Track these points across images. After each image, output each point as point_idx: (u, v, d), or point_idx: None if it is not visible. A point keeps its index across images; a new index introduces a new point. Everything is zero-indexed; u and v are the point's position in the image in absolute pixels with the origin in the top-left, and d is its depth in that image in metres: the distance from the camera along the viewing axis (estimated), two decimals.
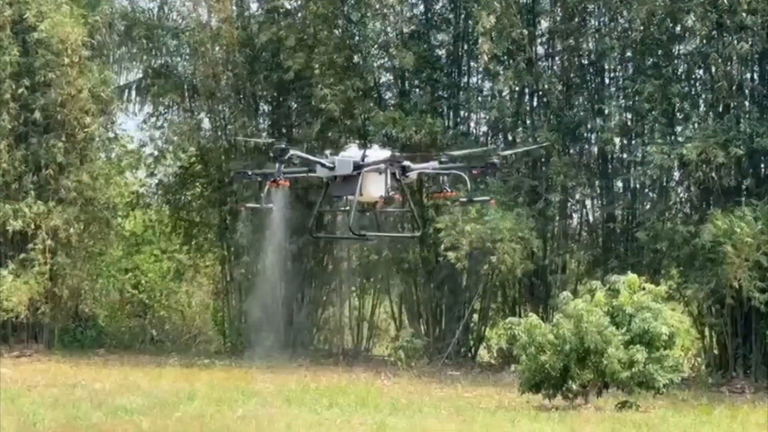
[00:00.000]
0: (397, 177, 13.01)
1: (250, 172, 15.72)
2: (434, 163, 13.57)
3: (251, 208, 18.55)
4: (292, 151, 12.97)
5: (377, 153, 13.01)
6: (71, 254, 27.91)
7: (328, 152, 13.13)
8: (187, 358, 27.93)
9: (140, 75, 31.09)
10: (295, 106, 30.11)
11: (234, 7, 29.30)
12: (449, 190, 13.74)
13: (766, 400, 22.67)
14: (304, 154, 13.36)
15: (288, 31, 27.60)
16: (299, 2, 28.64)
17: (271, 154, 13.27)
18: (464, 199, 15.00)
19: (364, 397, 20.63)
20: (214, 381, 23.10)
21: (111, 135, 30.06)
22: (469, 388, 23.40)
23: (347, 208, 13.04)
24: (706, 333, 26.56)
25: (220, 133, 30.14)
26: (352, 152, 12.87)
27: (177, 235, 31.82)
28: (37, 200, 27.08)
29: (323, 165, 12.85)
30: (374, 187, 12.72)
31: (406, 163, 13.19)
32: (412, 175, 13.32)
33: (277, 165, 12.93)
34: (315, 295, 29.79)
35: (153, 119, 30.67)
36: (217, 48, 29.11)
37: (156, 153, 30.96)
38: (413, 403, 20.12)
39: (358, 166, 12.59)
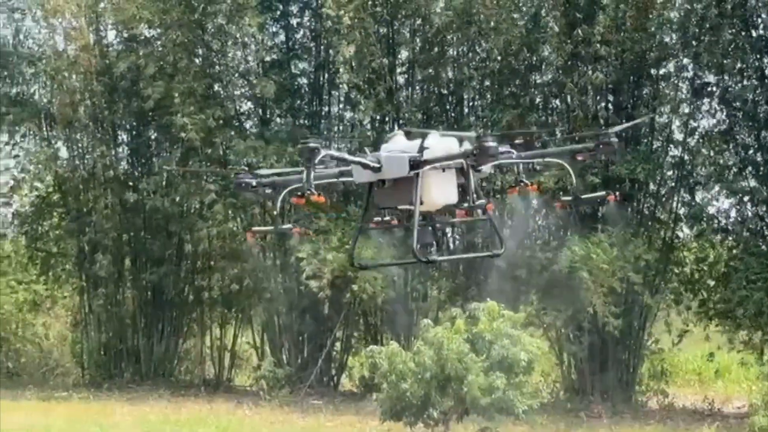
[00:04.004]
0: (465, 171, 9.75)
1: (254, 183, 10.31)
2: (513, 153, 10.39)
3: (260, 233, 12.38)
4: (325, 152, 9.43)
5: (440, 143, 9.57)
6: None
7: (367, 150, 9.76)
8: (44, 390, 27.44)
9: None
10: (155, 135, 29.87)
11: (92, 35, 28.96)
12: (528, 182, 10.62)
13: (622, 425, 23.10)
14: (339, 154, 9.82)
15: (147, 60, 27.41)
16: (159, 30, 28.39)
17: (298, 157, 10.16)
18: (568, 198, 11.33)
19: (225, 428, 20.55)
20: (72, 414, 22.75)
21: None
22: (332, 417, 23.40)
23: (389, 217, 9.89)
24: (565, 358, 26.93)
25: (78, 162, 29.74)
26: (400, 143, 9.70)
27: (34, 265, 31.29)
28: None
29: (366, 165, 9.48)
30: (440, 191, 9.53)
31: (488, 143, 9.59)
32: (486, 168, 10.01)
33: (305, 172, 9.43)
34: (176, 325, 29.52)
35: (8, 148, 30.13)
36: (74, 76, 28.76)
37: (12, 182, 30.40)
38: None
39: (416, 165, 9.37)
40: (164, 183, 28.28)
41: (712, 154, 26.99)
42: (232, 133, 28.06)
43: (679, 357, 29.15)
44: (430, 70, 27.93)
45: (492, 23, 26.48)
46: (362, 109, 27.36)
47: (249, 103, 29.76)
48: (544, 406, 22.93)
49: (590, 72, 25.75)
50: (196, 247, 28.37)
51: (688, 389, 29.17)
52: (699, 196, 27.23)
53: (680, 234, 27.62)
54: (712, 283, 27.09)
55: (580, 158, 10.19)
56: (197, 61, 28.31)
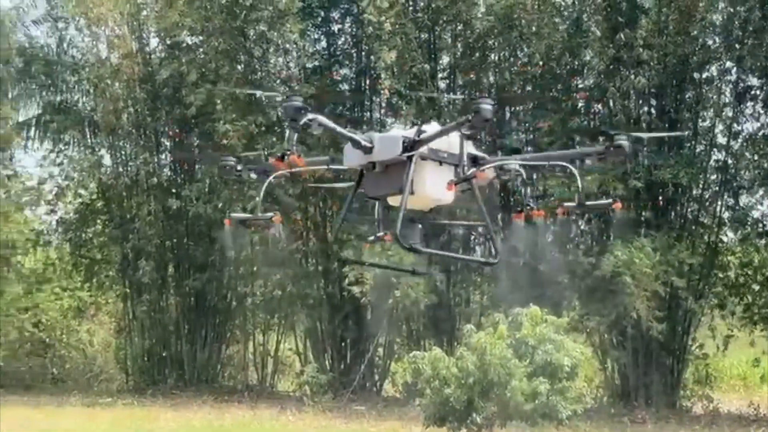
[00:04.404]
0: (466, 172, 9.02)
1: (240, 167, 9.92)
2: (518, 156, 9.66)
3: (240, 221, 11.43)
4: (312, 115, 8.78)
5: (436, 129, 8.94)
6: None
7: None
8: (88, 397, 27.58)
9: (39, 111, 30.75)
10: (198, 141, 29.97)
11: (134, 43, 29.12)
12: (534, 206, 9.94)
13: (666, 430, 22.95)
14: (330, 123, 9.04)
15: (189, 67, 27.50)
16: (201, 38, 28.51)
17: (282, 116, 9.30)
18: (572, 204, 10.11)
19: None
20: (116, 420, 22.85)
21: (10, 172, 29.76)
22: (374, 423, 23.39)
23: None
24: (608, 364, 26.82)
25: (121, 169, 29.89)
26: (396, 132, 9.14)
27: (78, 272, 31.49)
28: None
29: (357, 143, 8.85)
30: (434, 184, 8.78)
31: (480, 153, 9.14)
32: (489, 172, 9.26)
33: (288, 133, 9.02)
34: (219, 331, 29.61)
35: (53, 156, 30.33)
36: (117, 84, 28.90)
37: (56, 190, 30.61)
38: None
39: (410, 146, 8.71)
40: (207, 189, 28.36)
41: (755, 157, 26.83)
42: (274, 139, 28.07)
43: (724, 362, 29.00)
44: (472, 76, 27.91)
45: (533, 28, 26.46)
46: (404, 114, 27.32)
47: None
48: (587, 411, 22.83)
49: (632, 76, 25.64)
50: (238, 254, 28.42)
51: (733, 394, 29.01)
52: (743, 200, 27.08)
53: (724, 238, 27.47)
54: (757, 287, 26.96)
55: (589, 162, 9.74)
56: (239, 67, 28.39)
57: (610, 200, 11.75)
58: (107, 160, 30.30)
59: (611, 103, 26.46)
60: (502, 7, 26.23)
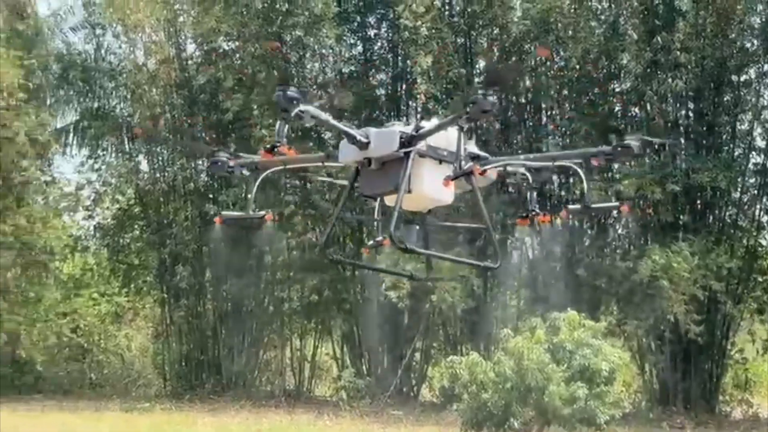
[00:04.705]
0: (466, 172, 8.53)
1: (232, 163, 9.50)
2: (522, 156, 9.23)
3: (231, 219, 11.17)
4: (304, 106, 8.34)
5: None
6: (8, 299, 27.61)
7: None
8: (127, 402, 27.66)
9: (77, 117, 30.93)
10: (234, 147, 29.99)
11: (171, 49, 29.24)
12: (540, 212, 9.14)
13: None
14: (323, 115, 8.62)
15: (226, 72, 27.56)
16: (237, 43, 28.58)
17: (276, 104, 8.39)
18: (576, 206, 9.46)
19: None
20: (155, 425, 22.91)
21: (48, 178, 29.92)
22: (412, 428, 23.38)
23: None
24: (647, 368, 26.71)
25: (158, 175, 30.00)
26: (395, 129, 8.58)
27: (116, 278, 31.62)
28: None
29: (352, 137, 8.41)
30: (433, 183, 8.34)
31: (482, 153, 8.66)
32: (491, 175, 8.77)
33: (279, 124, 8.66)
34: (256, 336, 29.64)
35: (90, 162, 30.49)
36: (154, 89, 29.01)
37: (94, 196, 30.76)
38: None
39: (407, 142, 8.30)
40: (243, 195, 28.41)
41: None
42: (311, 144, 28.09)
43: (764, 366, 28.78)
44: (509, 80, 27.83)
45: (570, 32, 26.40)
46: (440, 119, 27.27)
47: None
48: (626, 416, 22.78)
49: (670, 79, 25.53)
50: (275, 259, 28.49)
51: None
52: None
53: (763, 242, 27.28)
54: None
55: (595, 163, 8.98)
56: (276, 72, 28.44)
57: (617, 203, 11.41)
58: (144, 166, 30.45)
59: (648, 107, 26.35)
60: (539, 11, 26.17)
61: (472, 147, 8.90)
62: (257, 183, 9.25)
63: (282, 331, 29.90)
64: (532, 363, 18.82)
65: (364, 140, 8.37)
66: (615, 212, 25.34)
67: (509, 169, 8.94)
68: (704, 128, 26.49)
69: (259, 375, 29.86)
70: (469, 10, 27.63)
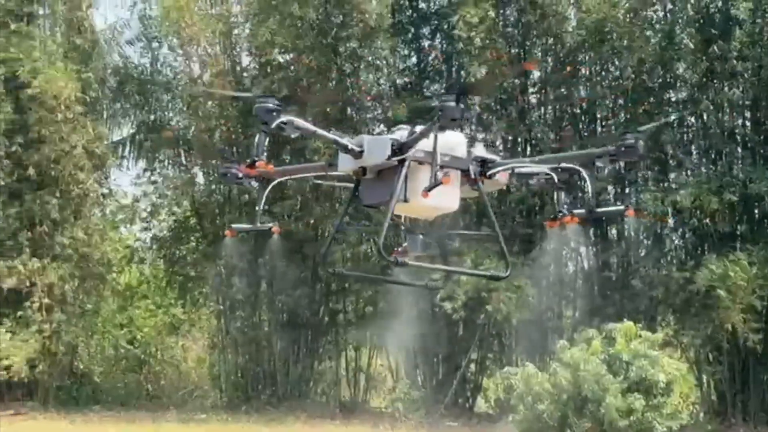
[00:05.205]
0: (474, 177, 8.41)
1: (241, 175, 9.32)
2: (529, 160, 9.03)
3: (241, 231, 12.09)
4: (287, 117, 8.13)
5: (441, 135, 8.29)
6: (66, 311, 27.79)
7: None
8: (183, 413, 27.79)
9: (134, 130, 31.17)
10: (290, 159, 30.10)
11: (227, 61, 29.39)
12: (568, 212, 8.76)
13: None
14: (309, 125, 8.38)
15: (281, 84, 27.65)
16: (292, 55, 28.68)
17: (256, 116, 8.19)
18: (581, 211, 8.97)
19: None
20: None
21: (105, 190, 30.13)
22: None
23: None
24: (704, 379, 26.48)
25: (214, 187, 30.13)
26: (400, 135, 8.41)
27: (172, 289, 31.81)
28: (32, 257, 26.98)
29: (344, 147, 8.21)
30: (434, 192, 8.09)
31: (491, 156, 8.44)
32: (502, 178, 8.65)
33: (258, 137, 8.34)
34: (311, 347, 29.69)
35: (147, 174, 30.70)
36: (210, 102, 29.16)
37: (150, 208, 30.96)
38: None
39: (399, 149, 8.13)
40: (298, 207, 28.51)
41: None
42: None
43: None
44: (563, 90, 27.78)
45: (625, 41, 26.27)
46: (494, 130, 27.27)
47: (382, 126, 29.86)
48: (683, 428, 22.56)
49: (726, 88, 25.36)
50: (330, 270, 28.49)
51: None
52: None
53: None
54: None
55: (600, 164, 9.06)
56: (330, 84, 28.51)
57: (622, 207, 11.18)
58: (200, 178, 30.60)
59: (705, 116, 26.17)
60: (594, 21, 26.07)
61: (481, 150, 8.80)
62: (265, 193, 9.25)
63: (337, 341, 29.93)
64: (589, 374, 18.75)
65: (357, 149, 8.20)
66: (661, 222, 25.22)
67: (532, 170, 8.82)
68: (761, 137, 26.26)
69: (315, 386, 29.90)
70: (523, 20, 27.58)
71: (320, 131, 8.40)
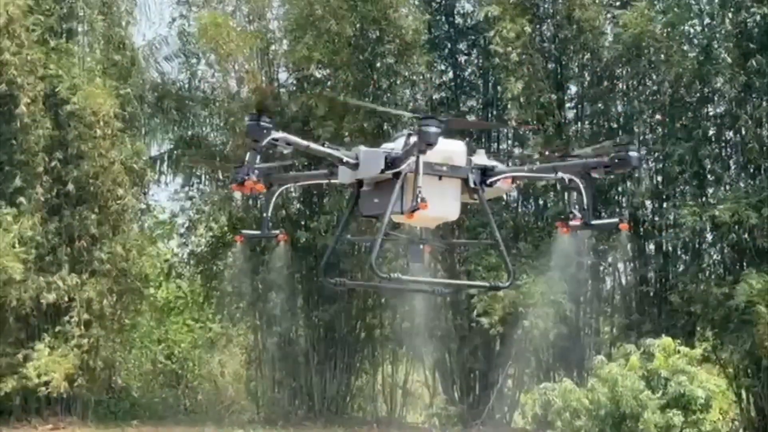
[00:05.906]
0: (474, 185, 8.52)
1: (254, 177, 9.44)
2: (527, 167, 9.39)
3: (250, 237, 11.24)
4: (278, 134, 8.19)
5: (442, 144, 8.36)
6: (105, 326, 27.86)
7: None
8: (221, 428, 27.83)
9: (171, 146, 31.30)
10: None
11: (264, 77, 29.49)
12: (577, 214, 8.86)
13: None
14: (300, 141, 8.62)
15: (318, 100, 27.71)
16: (329, 71, 28.76)
17: (247, 133, 7.90)
18: (577, 224, 9.05)
19: None
20: None
21: (143, 206, 30.24)
22: None
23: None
24: (743, 395, 26.30)
25: (251, 202, 30.20)
26: (401, 143, 8.49)
27: (209, 304, 31.87)
28: (71, 272, 27.10)
29: (339, 159, 8.45)
30: (431, 199, 8.14)
31: (491, 163, 8.53)
32: (503, 185, 8.82)
33: (249, 155, 8.32)
34: (348, 362, 29.70)
35: (185, 190, 30.82)
36: (247, 118, 29.16)
37: (188, 223, 31.07)
38: None
39: (392, 162, 8.19)
40: (335, 222, 28.52)
41: None
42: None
43: None
44: (600, 105, 27.74)
45: (662, 56, 26.21)
46: (531, 145, 27.24)
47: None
48: None
49: (765, 103, 25.24)
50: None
51: None
52: None
53: None
54: None
55: (596, 175, 9.08)
56: (367, 100, 28.55)
57: (617, 220, 11.23)
58: (237, 194, 30.63)
59: (743, 131, 26.05)
60: (630, 35, 25.99)
61: (482, 158, 8.90)
62: (273, 200, 9.45)
63: (374, 357, 29.94)
64: (627, 390, 18.68)
65: (352, 161, 8.43)
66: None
67: (560, 175, 8.94)
68: None
69: (351, 401, 29.91)
70: (560, 35, 27.59)
71: (313, 145, 8.73)
